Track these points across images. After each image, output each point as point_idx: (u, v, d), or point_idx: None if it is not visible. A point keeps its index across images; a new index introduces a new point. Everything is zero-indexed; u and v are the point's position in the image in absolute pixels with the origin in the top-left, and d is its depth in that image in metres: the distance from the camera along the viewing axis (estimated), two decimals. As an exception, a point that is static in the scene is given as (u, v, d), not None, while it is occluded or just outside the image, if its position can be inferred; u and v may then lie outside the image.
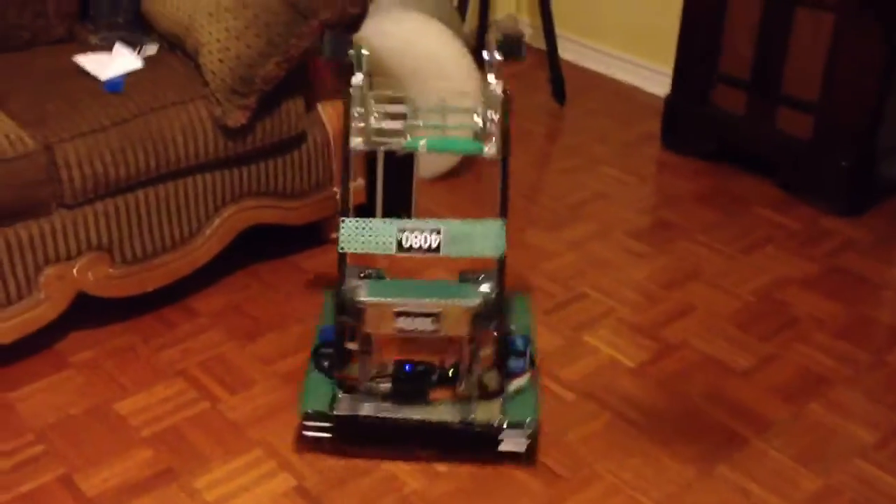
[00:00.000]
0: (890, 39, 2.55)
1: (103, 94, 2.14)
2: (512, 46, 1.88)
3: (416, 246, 1.82)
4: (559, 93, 3.43)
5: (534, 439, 1.87)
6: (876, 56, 2.58)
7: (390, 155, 2.48)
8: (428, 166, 2.86)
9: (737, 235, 2.66)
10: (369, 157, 2.49)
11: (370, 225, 1.85)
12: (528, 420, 1.83)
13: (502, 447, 1.84)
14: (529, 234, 2.68)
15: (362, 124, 1.89)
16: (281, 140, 2.31)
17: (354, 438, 1.91)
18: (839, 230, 2.69)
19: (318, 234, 2.56)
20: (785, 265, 2.54)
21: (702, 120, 3.00)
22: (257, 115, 2.22)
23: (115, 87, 2.16)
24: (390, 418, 1.86)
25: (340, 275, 1.86)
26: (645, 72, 3.52)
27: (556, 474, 1.88)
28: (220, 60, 2.15)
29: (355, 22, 2.34)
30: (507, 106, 1.86)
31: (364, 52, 1.90)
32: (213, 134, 2.18)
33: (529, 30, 3.88)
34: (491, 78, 1.88)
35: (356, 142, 1.89)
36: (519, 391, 1.90)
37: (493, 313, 1.82)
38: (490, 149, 1.88)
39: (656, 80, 3.42)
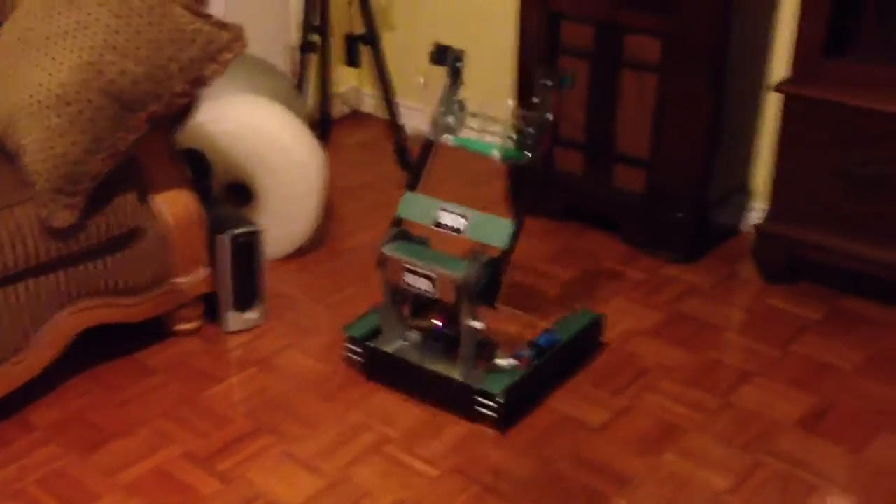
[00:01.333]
0: (713, 94, 2.69)
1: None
2: (563, 78, 2.20)
3: (447, 224, 2.21)
4: (405, 161, 3.45)
5: (503, 411, 2.14)
6: (701, 111, 2.71)
7: (235, 239, 2.44)
8: (277, 246, 2.82)
9: (586, 290, 2.72)
10: (213, 244, 2.44)
11: (420, 200, 2.28)
12: (497, 393, 2.13)
13: (478, 408, 2.16)
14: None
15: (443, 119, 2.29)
16: (114, 237, 2.23)
17: (375, 369, 2.30)
18: (679, 277, 2.79)
19: (161, 327, 2.47)
20: (633, 316, 2.61)
21: (546, 182, 3.08)
22: (87, 214, 2.14)
23: (-70, 195, 2.05)
24: (400, 359, 2.26)
25: (390, 232, 2.28)
26: (488, 136, 3.59)
27: (423, 556, 1.85)
28: (44, 160, 2.07)
29: (185, 111, 2.30)
30: (546, 127, 2.18)
31: (460, 63, 2.31)
32: (42, 236, 2.09)
33: (372, 100, 3.92)
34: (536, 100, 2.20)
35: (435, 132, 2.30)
36: (507, 370, 2.20)
37: (479, 291, 2.12)
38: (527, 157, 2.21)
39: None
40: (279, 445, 2.13)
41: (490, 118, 2.26)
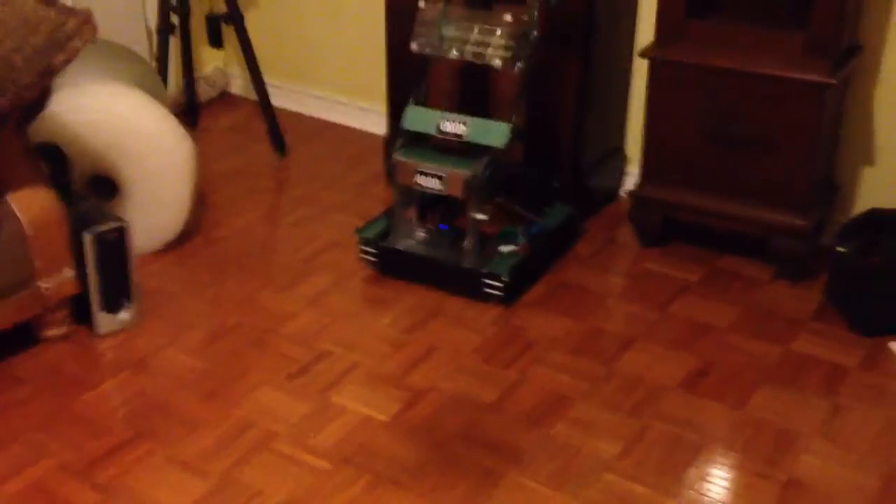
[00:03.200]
0: (581, 61, 2.70)
1: None
2: None
3: (449, 131, 2.49)
4: (279, 143, 3.37)
5: (508, 290, 2.49)
6: (570, 78, 2.73)
7: (100, 236, 2.33)
8: (147, 239, 2.70)
9: (469, 266, 2.72)
10: (76, 244, 2.32)
11: (423, 112, 2.57)
12: (502, 273, 2.48)
13: (486, 290, 2.50)
14: (265, 295, 2.59)
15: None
16: (-35, 243, 2.09)
17: (388, 266, 2.63)
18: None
19: (28, 333, 2.34)
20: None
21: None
22: (-68, 221, 1.99)
23: None
24: (412, 253, 2.59)
25: (396, 140, 2.60)
26: (362, 112, 3.54)
27: (318, 552, 1.81)
28: None
29: (37, 104, 2.16)
30: (536, 41, 2.48)
31: None
32: None
33: (240, 81, 3.80)
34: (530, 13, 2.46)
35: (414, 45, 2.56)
36: (509, 255, 2.54)
37: (483, 186, 2.44)
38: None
39: (375, 121, 3.44)
40: (160, 450, 2.05)
41: (486, 30, 2.47)
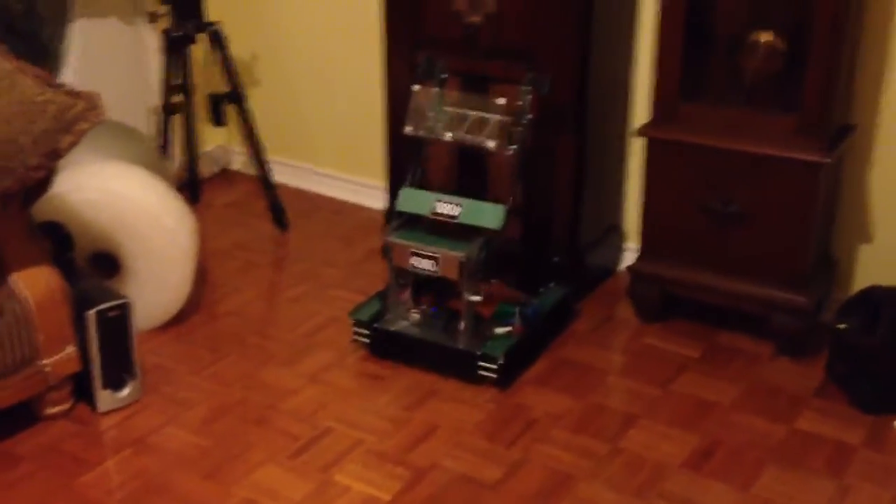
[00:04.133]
0: (576, 142, 2.75)
1: None
2: (542, 83, 2.55)
3: (444, 212, 2.52)
4: (279, 219, 3.39)
5: (501, 372, 2.47)
6: (566, 158, 2.76)
7: (102, 314, 2.33)
8: (148, 316, 2.70)
9: (470, 343, 2.72)
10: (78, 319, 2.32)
11: (417, 194, 2.60)
12: (497, 356, 2.46)
13: (480, 372, 2.48)
14: (266, 372, 2.59)
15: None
16: (-30, 323, 2.09)
17: (381, 348, 2.61)
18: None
19: (28, 411, 2.32)
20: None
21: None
22: (-63, 301, 2.00)
23: None
24: (405, 335, 2.58)
25: (390, 223, 2.64)
26: (361, 188, 3.58)
27: None
28: None
29: (42, 184, 2.18)
30: (528, 124, 2.54)
31: (445, 75, 2.65)
32: None
33: (241, 158, 3.84)
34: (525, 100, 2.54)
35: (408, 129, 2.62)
36: (503, 336, 2.53)
37: (478, 268, 2.46)
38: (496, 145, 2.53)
39: (373, 195, 3.48)
40: (161, 532, 2.02)
41: (480, 116, 2.54)
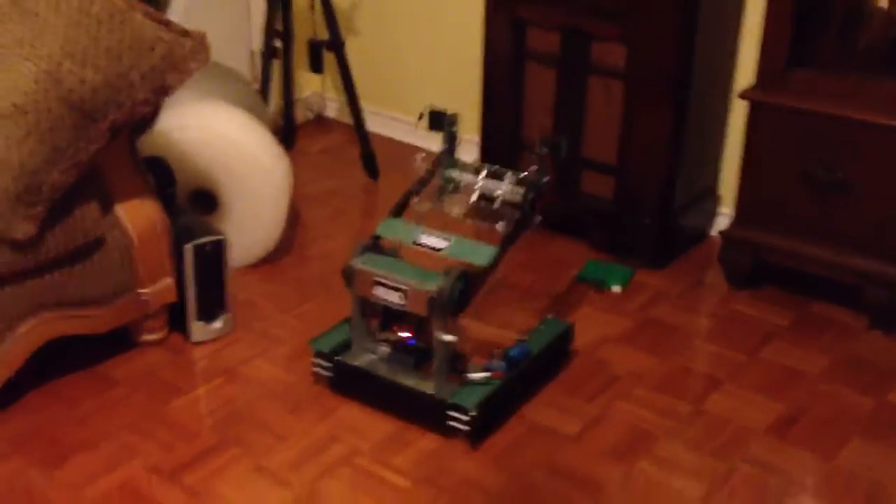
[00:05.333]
0: (677, 101, 2.70)
1: None
2: (558, 145, 2.31)
3: (427, 244, 2.21)
4: (371, 168, 3.43)
5: (476, 425, 2.12)
6: (665, 118, 2.72)
7: (199, 248, 2.40)
8: (242, 254, 2.78)
9: (555, 299, 2.71)
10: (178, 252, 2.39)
11: (400, 225, 2.30)
12: (470, 407, 2.10)
13: (451, 423, 2.13)
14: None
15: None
16: (76, 248, 2.18)
17: (343, 383, 2.27)
18: (648, 284, 2.79)
19: (125, 337, 2.42)
20: (602, 323, 2.60)
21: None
22: (48, 225, 2.08)
23: None
24: (369, 373, 2.22)
25: (358, 248, 2.24)
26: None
27: (396, 570, 1.82)
28: (2, 171, 2.01)
29: (148, 119, 2.25)
30: (536, 189, 2.28)
31: (455, 128, 2.41)
32: (1, 248, 2.03)
33: (336, 105, 3.89)
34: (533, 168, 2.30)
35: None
36: (480, 383, 2.16)
37: (452, 304, 2.08)
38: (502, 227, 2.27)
39: (467, 149, 3.47)
40: (247, 458, 2.09)
41: (493, 179, 2.31)
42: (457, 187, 2.40)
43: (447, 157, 2.40)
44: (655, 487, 2.03)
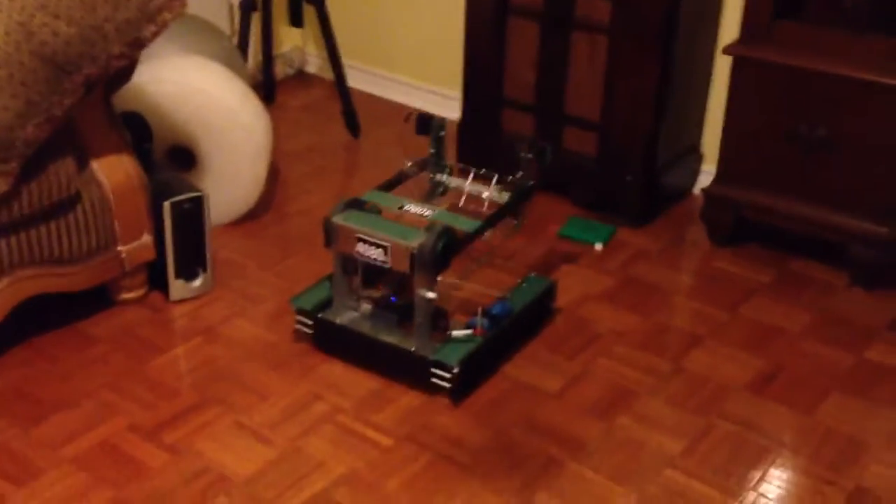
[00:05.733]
0: (661, 57, 2.67)
1: None
2: (543, 152, 2.36)
3: (413, 211, 2.23)
4: (352, 125, 3.39)
5: (458, 382, 2.12)
6: (649, 74, 2.69)
7: (178, 205, 2.37)
8: (222, 211, 2.75)
9: (536, 256, 2.71)
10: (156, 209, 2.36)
11: (385, 196, 2.30)
12: (452, 364, 2.09)
13: (433, 380, 2.13)
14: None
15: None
16: (52, 204, 2.14)
17: (325, 341, 2.26)
18: (630, 241, 2.79)
19: (104, 295, 2.40)
20: (584, 280, 2.60)
21: (494, 144, 3.04)
22: (22, 180, 2.05)
23: None
24: (352, 330, 2.22)
25: (339, 204, 2.22)
26: (437, 98, 3.55)
27: (378, 527, 1.83)
28: (-26, 124, 1.97)
29: (123, 73, 2.21)
30: (522, 193, 2.35)
31: (443, 132, 2.45)
32: (-26, 204, 2.00)
33: (317, 61, 3.84)
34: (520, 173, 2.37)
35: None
36: (462, 340, 2.16)
37: (434, 260, 2.07)
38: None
39: (449, 105, 3.45)
40: (228, 416, 2.08)
41: (480, 182, 2.37)
42: (445, 190, 2.46)
43: (435, 160, 2.41)
44: (635, 444, 2.04)
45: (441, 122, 2.41)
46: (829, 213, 2.55)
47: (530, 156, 2.33)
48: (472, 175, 2.37)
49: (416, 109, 2.44)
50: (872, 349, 2.35)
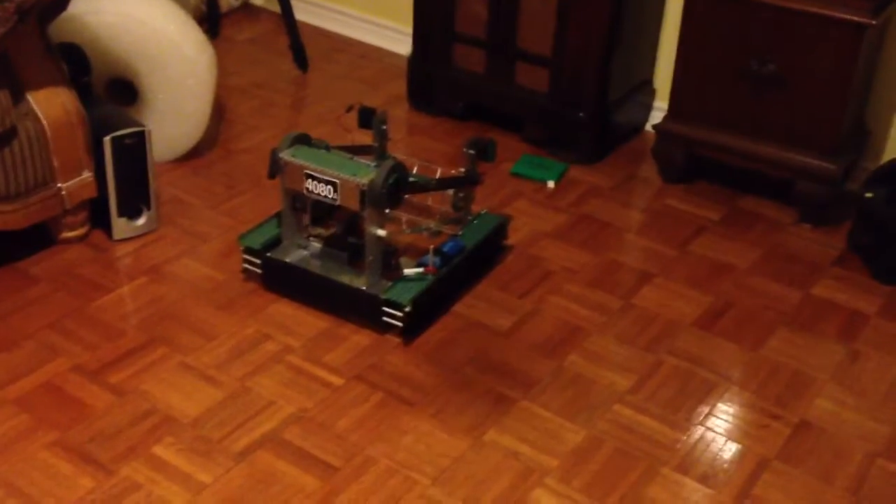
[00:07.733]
0: (614, 1, 2.64)
1: None
2: (486, 150, 2.34)
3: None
4: (301, 59, 3.31)
5: (410, 321, 2.10)
6: (601, 8, 2.65)
7: (119, 141, 2.30)
8: (165, 148, 2.67)
9: (488, 193, 2.68)
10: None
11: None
12: (404, 302, 2.07)
13: (385, 318, 2.10)
14: (281, 212, 2.57)
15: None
16: (-14, 139, 2.06)
17: (274, 281, 2.22)
18: (582, 179, 2.78)
19: (45, 234, 2.33)
20: (535, 218, 2.59)
21: (445, 80, 2.99)
22: (-47, 115, 1.97)
23: None
24: (302, 269, 2.18)
25: (286, 139, 2.17)
26: (387, 32, 3.47)
27: (330, 466, 1.82)
28: None
29: (58, 4, 2.11)
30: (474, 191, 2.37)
31: (385, 126, 2.40)
32: None
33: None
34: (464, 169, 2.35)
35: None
36: (414, 279, 2.13)
37: (384, 197, 2.04)
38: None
39: (399, 41, 3.38)
40: (175, 357, 2.05)
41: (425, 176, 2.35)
42: None
43: (379, 153, 2.35)
44: (585, 380, 2.05)
45: (383, 116, 2.36)
46: (778, 150, 2.56)
47: (473, 152, 2.29)
48: (416, 168, 2.36)
49: (358, 103, 2.42)
50: (818, 285, 2.38)
